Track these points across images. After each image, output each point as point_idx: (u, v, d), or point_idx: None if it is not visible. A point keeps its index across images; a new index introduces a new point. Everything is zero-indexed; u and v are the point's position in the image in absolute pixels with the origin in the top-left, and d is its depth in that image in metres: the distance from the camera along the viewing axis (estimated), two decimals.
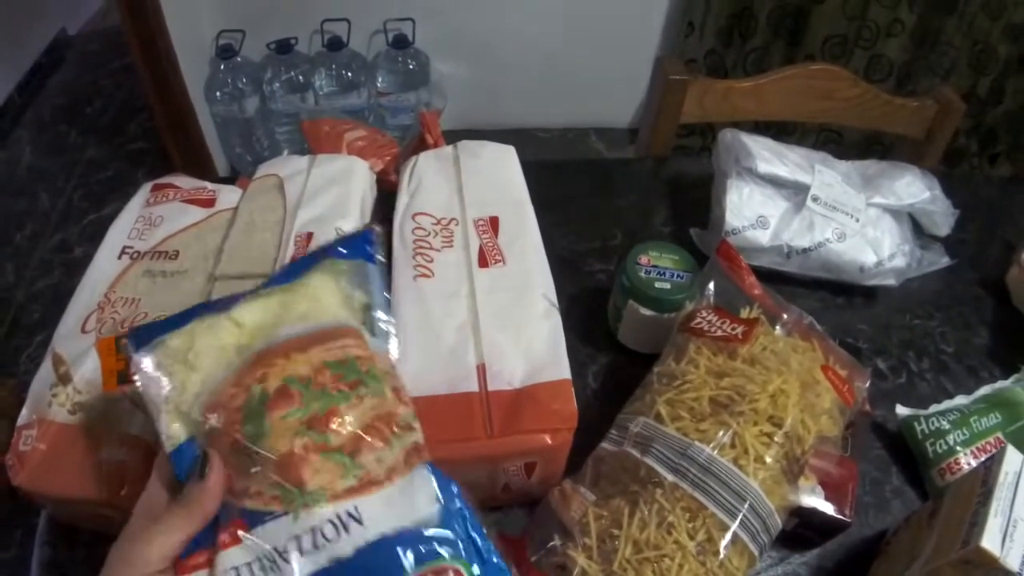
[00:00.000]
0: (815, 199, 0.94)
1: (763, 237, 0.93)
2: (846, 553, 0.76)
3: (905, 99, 1.24)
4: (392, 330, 0.55)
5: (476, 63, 2.26)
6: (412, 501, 0.44)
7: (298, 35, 2.06)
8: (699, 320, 0.73)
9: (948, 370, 0.96)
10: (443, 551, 0.42)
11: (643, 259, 0.83)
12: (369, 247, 0.57)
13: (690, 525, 0.60)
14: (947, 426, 0.83)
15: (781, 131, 2.29)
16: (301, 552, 0.42)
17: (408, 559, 0.41)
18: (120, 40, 1.98)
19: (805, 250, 0.93)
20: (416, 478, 0.46)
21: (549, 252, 0.80)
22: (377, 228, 0.60)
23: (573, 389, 0.66)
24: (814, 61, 1.19)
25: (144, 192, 0.86)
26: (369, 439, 0.46)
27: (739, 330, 0.70)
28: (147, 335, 0.50)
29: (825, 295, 0.99)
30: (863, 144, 2.30)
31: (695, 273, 0.81)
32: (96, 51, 2.87)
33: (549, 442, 0.63)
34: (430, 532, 0.42)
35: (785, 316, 0.75)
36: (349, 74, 2.07)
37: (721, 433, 0.63)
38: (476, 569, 0.41)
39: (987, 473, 0.62)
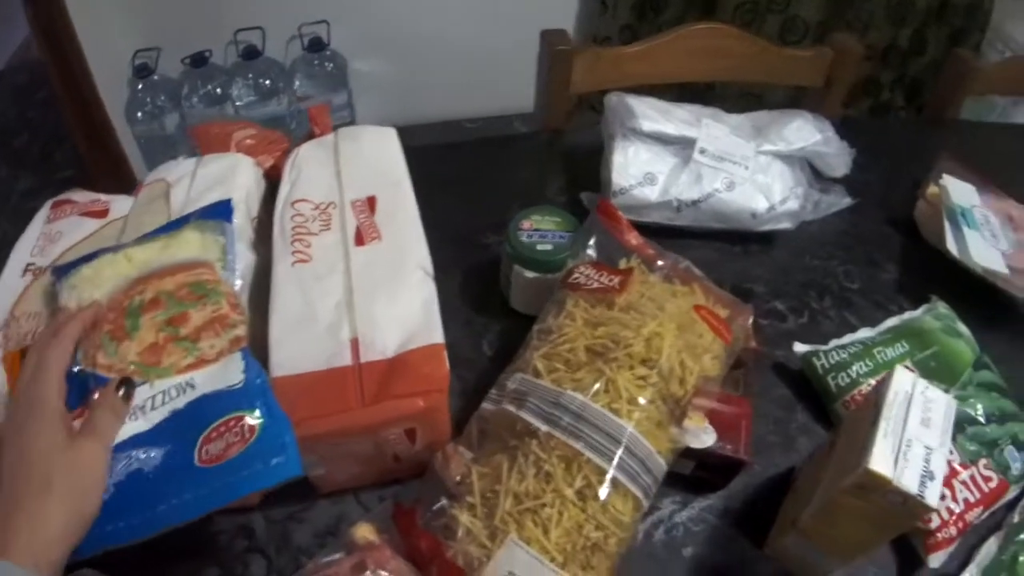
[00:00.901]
0: (702, 151, 0.95)
1: (652, 194, 0.93)
2: (754, 493, 0.77)
3: (800, 50, 1.25)
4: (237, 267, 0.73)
5: (395, 60, 2.24)
6: (227, 373, 0.62)
7: (213, 47, 2.03)
8: (577, 275, 0.73)
9: (853, 306, 0.97)
10: (242, 404, 0.59)
11: (525, 224, 0.83)
12: (226, 211, 0.76)
13: (567, 473, 0.60)
14: (848, 358, 0.84)
15: (700, 96, 2.31)
16: (152, 408, 0.60)
17: (218, 407, 0.59)
18: (46, 70, 1.96)
19: (695, 202, 0.94)
20: (233, 359, 0.63)
21: (446, 230, 0.82)
22: (234, 198, 0.78)
23: (446, 352, 0.67)
24: (705, 20, 1.17)
25: (45, 210, 0.87)
26: (206, 332, 0.65)
27: (615, 281, 0.71)
28: (66, 268, 0.72)
29: (722, 245, 1.00)
30: (786, 104, 2.32)
31: (577, 233, 0.81)
32: (23, 83, 2.83)
33: (422, 405, 0.64)
34: (234, 392, 0.60)
35: (661, 263, 0.75)
36: (267, 82, 2.04)
37: (595, 380, 0.63)
38: (259, 415, 0.58)
39: (877, 395, 0.63)
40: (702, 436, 0.71)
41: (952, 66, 1.50)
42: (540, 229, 0.82)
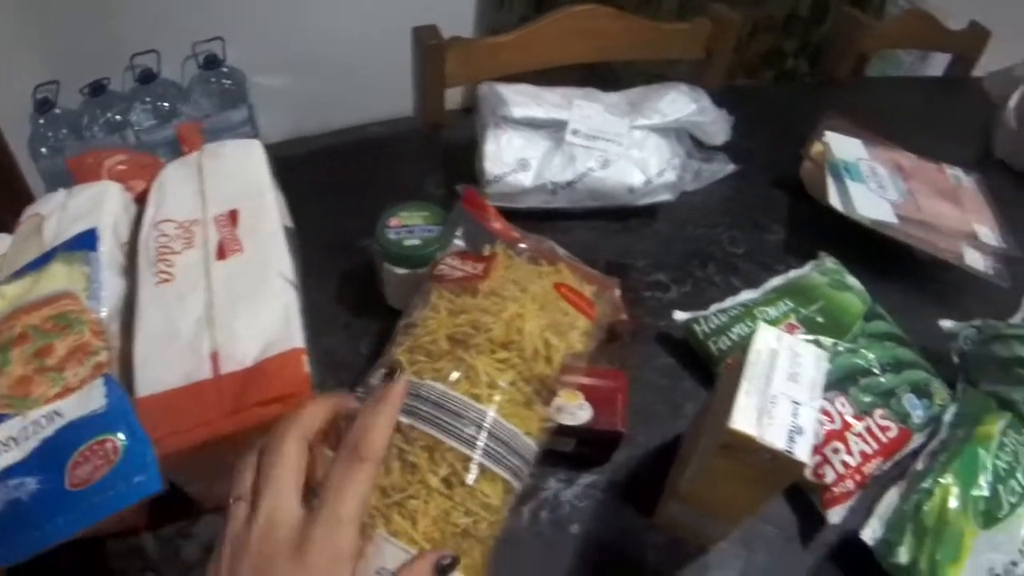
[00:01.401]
0: (575, 132, 0.95)
1: (526, 179, 0.94)
2: (640, 464, 0.78)
3: (677, 23, 1.26)
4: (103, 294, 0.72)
5: (294, 71, 2.23)
6: (90, 400, 0.61)
7: (111, 75, 2.01)
8: (442, 267, 0.73)
9: (738, 271, 0.98)
10: (105, 428, 0.59)
11: (393, 221, 0.82)
12: (91, 241, 0.76)
13: (431, 462, 0.60)
14: (728, 321, 0.84)
15: (605, 80, 2.32)
16: (25, 438, 0.60)
17: (83, 432, 0.59)
18: None
19: (570, 183, 0.94)
20: (96, 385, 0.62)
21: (323, 237, 0.84)
22: (98, 227, 0.77)
23: (306, 356, 0.66)
24: (579, 3, 1.18)
25: None
26: (70, 361, 0.66)
27: (479, 268, 0.71)
28: None
29: (603, 223, 1.01)
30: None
31: (445, 225, 0.81)
32: None
33: (281, 411, 0.63)
34: (97, 417, 0.60)
35: (523, 245, 0.75)
36: (166, 104, 2.02)
37: (455, 368, 0.63)
38: (123, 437, 0.58)
39: (742, 354, 0.63)
40: (577, 412, 0.71)
41: (842, 26, 1.53)
42: (408, 225, 0.82)
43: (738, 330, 0.84)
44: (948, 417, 0.81)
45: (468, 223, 0.79)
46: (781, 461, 0.56)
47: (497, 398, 0.62)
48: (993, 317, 0.93)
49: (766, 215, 1.07)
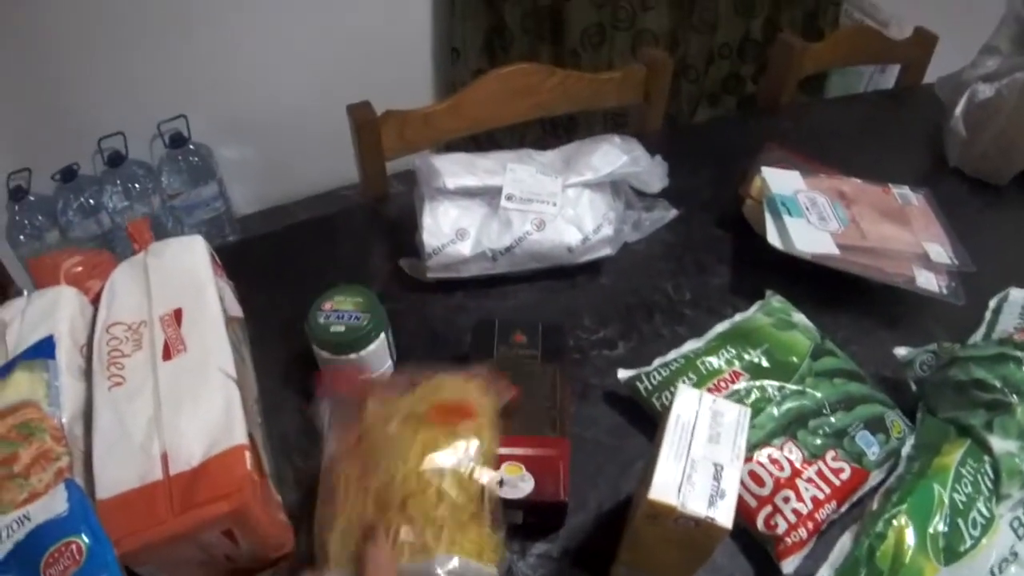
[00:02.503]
0: (509, 197, 0.98)
1: (465, 248, 0.96)
2: (593, 526, 0.78)
3: (609, 72, 1.29)
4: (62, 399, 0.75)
5: (259, 141, 2.24)
6: (54, 504, 0.64)
7: (80, 159, 2.03)
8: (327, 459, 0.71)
9: (684, 319, 0.99)
10: (70, 530, 0.62)
11: (326, 305, 0.84)
12: (49, 348, 0.79)
13: None
14: (670, 375, 0.86)
15: (565, 129, 2.37)
16: (0, 541, 0.62)
17: (51, 535, 0.62)
18: None
19: (508, 248, 0.96)
20: (59, 489, 0.65)
21: (270, 321, 0.89)
22: (55, 335, 0.80)
23: (247, 452, 0.68)
24: (510, 64, 1.21)
25: None
26: (35, 468, 0.69)
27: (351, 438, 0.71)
28: None
29: (546, 283, 1.03)
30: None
31: (374, 312, 0.83)
32: None
33: (226, 508, 0.66)
34: (62, 520, 0.63)
35: (399, 378, 0.75)
36: (136, 185, 2.04)
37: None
38: (87, 539, 0.61)
39: (661, 418, 0.63)
40: (520, 485, 0.72)
41: (777, 53, 1.55)
42: (339, 310, 0.83)
43: (682, 383, 0.85)
44: (906, 450, 0.80)
45: (334, 404, 0.75)
46: (704, 527, 0.57)
47: (444, 541, 0.63)
48: (952, 337, 0.94)
49: (711, 258, 1.09)
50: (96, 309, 0.92)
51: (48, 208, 2.04)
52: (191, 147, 2.10)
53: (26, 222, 2.01)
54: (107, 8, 1.92)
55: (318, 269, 1.02)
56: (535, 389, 0.81)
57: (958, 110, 1.34)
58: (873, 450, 0.80)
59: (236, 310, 0.90)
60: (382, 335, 0.84)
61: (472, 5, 2.14)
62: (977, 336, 1.00)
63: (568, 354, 0.87)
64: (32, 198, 2.01)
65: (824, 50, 1.59)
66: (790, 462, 0.77)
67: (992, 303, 1.04)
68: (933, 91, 1.59)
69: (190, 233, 1.45)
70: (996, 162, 1.33)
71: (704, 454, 0.59)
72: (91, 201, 2.03)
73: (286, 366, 0.90)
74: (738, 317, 0.96)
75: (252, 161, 2.29)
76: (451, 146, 1.24)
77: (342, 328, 0.82)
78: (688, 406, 0.62)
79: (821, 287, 1.01)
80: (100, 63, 1.99)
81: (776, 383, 0.84)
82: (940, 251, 1.06)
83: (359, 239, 1.10)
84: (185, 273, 0.87)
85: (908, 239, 1.07)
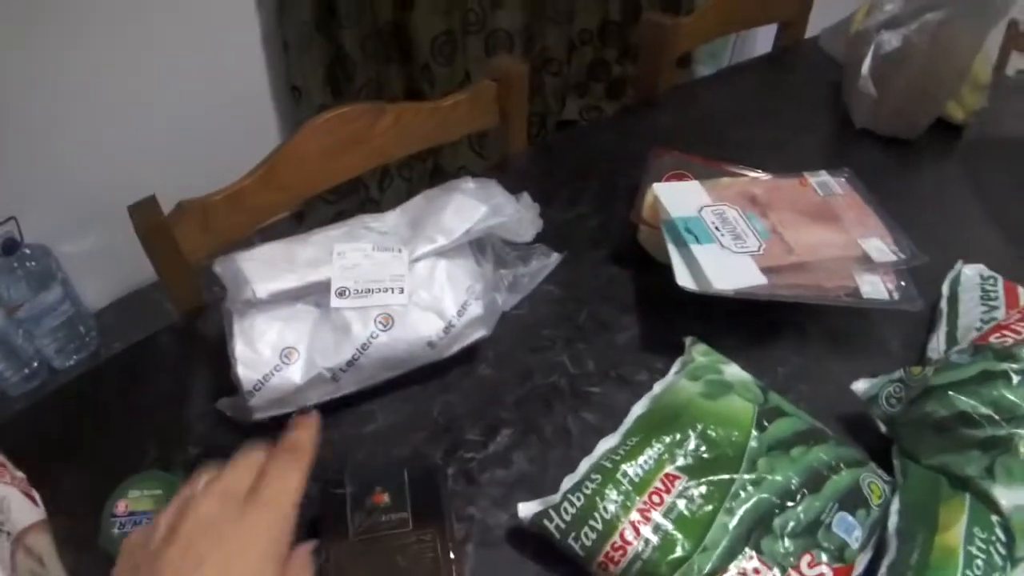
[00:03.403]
0: (341, 293, 0.74)
1: (295, 374, 0.71)
2: None
3: (453, 96, 1.06)
4: None
5: (100, 231, 1.98)
6: None
7: None
8: None
9: (591, 400, 0.78)
10: None
11: (120, 507, 0.61)
12: None
13: None
14: (586, 503, 0.63)
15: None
16: None
17: None
18: None
19: (351, 361, 0.72)
20: None
21: (78, 520, 0.64)
22: None
23: None
24: (322, 114, 0.95)
25: None
26: None
27: None
28: None
29: (412, 391, 0.79)
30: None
31: None
32: None
33: None
34: None
35: None
36: None
37: None
38: None
39: None
40: None
41: (645, 35, 1.36)
42: (136, 512, 0.60)
43: (603, 510, 0.62)
44: (893, 521, 0.63)
45: None
46: None
47: None
48: (910, 344, 0.83)
49: (611, 308, 0.88)
50: None
51: None
52: (26, 251, 1.88)
53: None
54: None
55: (126, 430, 0.77)
56: (412, 570, 0.59)
57: (865, 67, 1.18)
58: (855, 535, 0.62)
59: (33, 515, 0.64)
60: None
61: (306, 36, 1.93)
62: (939, 338, 0.84)
63: (446, 505, 0.64)
64: None
65: (696, 23, 1.40)
66: None
67: (944, 289, 0.91)
68: (817, 46, 1.45)
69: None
70: (909, 116, 1.21)
71: None
72: None
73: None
74: (657, 388, 0.75)
75: (97, 251, 2.06)
76: (272, 228, 0.98)
77: None
78: None
79: (746, 318, 0.84)
80: None
81: (723, 476, 0.64)
82: (880, 246, 0.87)
83: (175, 373, 0.83)
84: None
85: (841, 240, 0.88)
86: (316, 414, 0.53)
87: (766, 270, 0.81)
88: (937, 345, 0.83)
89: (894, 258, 0.86)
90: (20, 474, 0.66)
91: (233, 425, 0.74)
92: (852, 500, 0.64)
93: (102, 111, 1.93)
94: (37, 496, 0.67)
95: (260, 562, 0.42)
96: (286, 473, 0.46)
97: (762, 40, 2.41)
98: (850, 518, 0.63)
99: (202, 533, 0.42)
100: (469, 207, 0.81)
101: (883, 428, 0.72)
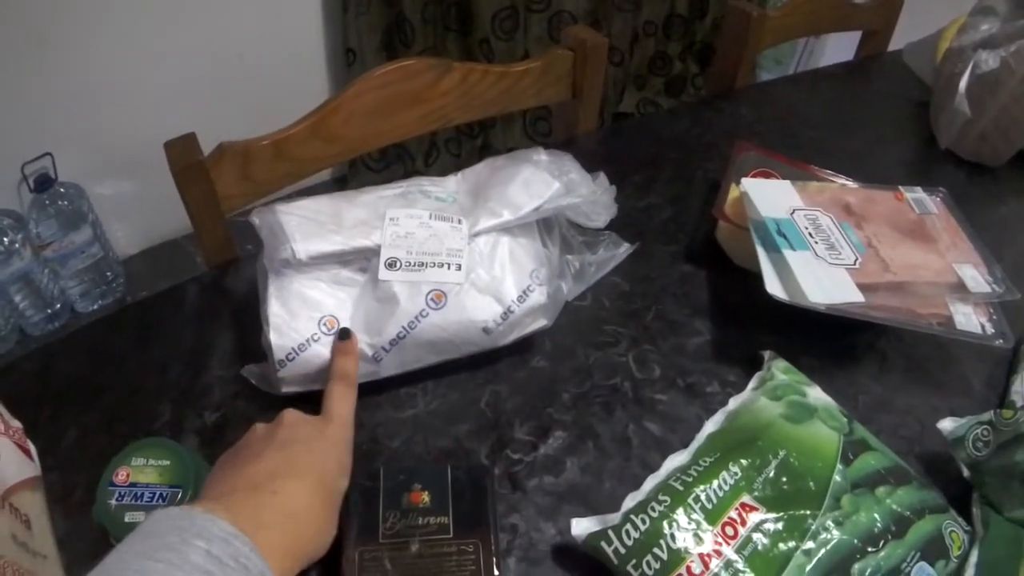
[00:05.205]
0: (391, 264, 0.66)
1: None
2: None
3: (527, 62, 0.98)
4: None
5: (137, 174, 1.95)
6: None
7: None
8: None
9: (656, 409, 0.70)
10: None
11: (120, 475, 0.54)
12: None
13: None
14: (651, 528, 0.55)
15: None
16: None
17: None
18: None
19: (396, 340, 0.65)
20: None
21: (78, 480, 0.61)
22: None
23: None
24: (383, 65, 0.87)
25: None
26: None
27: None
28: None
29: (458, 379, 0.71)
30: None
31: (186, 485, 0.54)
32: None
33: None
34: None
35: None
36: (5, 239, 1.76)
37: None
38: None
39: None
40: None
41: (730, 24, 1.28)
42: (137, 484, 0.53)
43: (671, 537, 0.54)
44: (971, 575, 0.57)
45: None
46: None
47: None
48: (996, 388, 0.76)
49: (682, 309, 0.80)
50: None
51: None
52: (61, 189, 1.83)
53: None
54: None
55: (140, 386, 0.70)
56: None
57: (962, 84, 1.09)
58: None
59: (25, 470, 0.57)
60: None
61: None
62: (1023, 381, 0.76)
63: (493, 513, 0.57)
64: None
65: (783, 18, 1.31)
66: None
67: None
68: (900, 60, 1.37)
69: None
70: (995, 142, 1.11)
71: None
72: None
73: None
74: (732, 404, 0.67)
75: (131, 196, 2.03)
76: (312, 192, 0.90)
77: (141, 516, 0.52)
78: None
79: (824, 335, 0.76)
80: None
81: (803, 512, 0.57)
82: (975, 275, 0.79)
83: (199, 324, 0.75)
84: None
85: (937, 264, 0.79)
86: (354, 336, 0.63)
87: (863, 287, 0.72)
88: (1021, 388, 0.76)
89: (989, 290, 0.77)
90: (16, 423, 0.59)
91: (255, 394, 0.67)
92: (934, 549, 0.57)
93: (149, 53, 1.87)
94: (33, 450, 0.60)
95: (337, 466, 0.54)
96: (345, 397, 0.59)
97: (830, 53, 2.32)
98: (929, 568, 0.56)
99: (294, 439, 0.53)
100: (540, 181, 0.73)
101: (966, 473, 0.65)
